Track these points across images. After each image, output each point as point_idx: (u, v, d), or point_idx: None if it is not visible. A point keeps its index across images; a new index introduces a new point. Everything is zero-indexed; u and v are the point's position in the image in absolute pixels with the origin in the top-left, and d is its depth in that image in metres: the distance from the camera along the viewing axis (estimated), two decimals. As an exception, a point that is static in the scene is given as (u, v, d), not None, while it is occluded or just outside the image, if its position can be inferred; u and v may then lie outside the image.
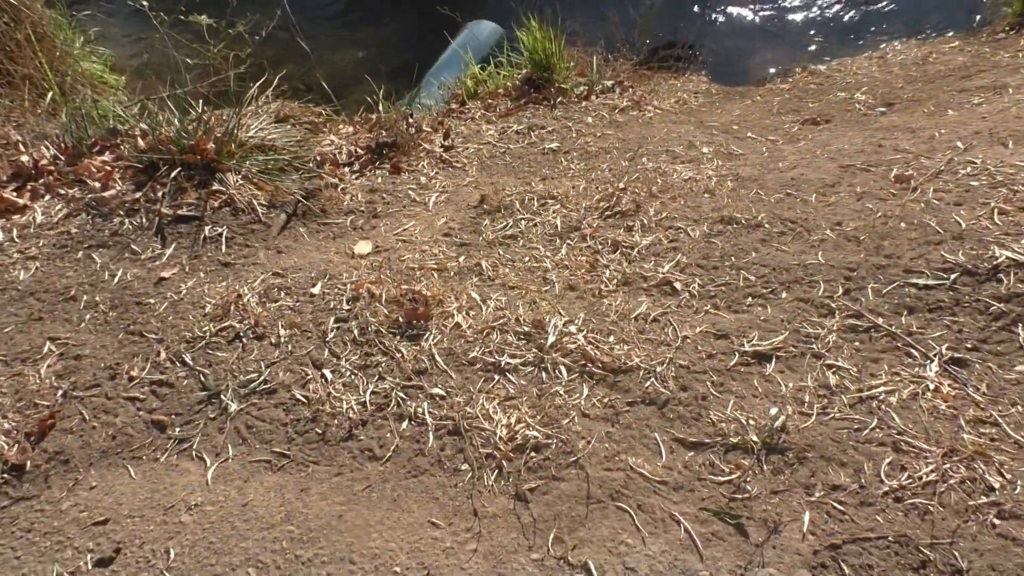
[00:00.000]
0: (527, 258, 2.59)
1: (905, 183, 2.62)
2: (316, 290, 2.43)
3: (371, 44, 6.05)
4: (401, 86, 4.49)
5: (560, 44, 4.43)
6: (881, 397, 1.86)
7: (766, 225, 2.54)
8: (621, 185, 2.93)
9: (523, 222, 2.80)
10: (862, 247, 2.34)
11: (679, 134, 3.65)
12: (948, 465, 1.67)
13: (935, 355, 1.94)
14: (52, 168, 3.08)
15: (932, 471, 1.66)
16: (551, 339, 2.16)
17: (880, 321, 2.07)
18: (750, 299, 2.25)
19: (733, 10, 6.07)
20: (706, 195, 2.83)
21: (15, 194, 2.95)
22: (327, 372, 2.13)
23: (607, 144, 3.61)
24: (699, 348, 2.09)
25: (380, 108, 3.75)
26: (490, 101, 4.39)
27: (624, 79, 4.61)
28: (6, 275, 2.57)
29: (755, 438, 1.79)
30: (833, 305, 2.16)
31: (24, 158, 3.14)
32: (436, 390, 2.04)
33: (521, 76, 4.56)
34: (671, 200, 2.81)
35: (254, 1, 4.66)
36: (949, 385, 1.86)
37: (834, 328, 2.08)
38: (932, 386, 1.87)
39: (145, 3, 4.00)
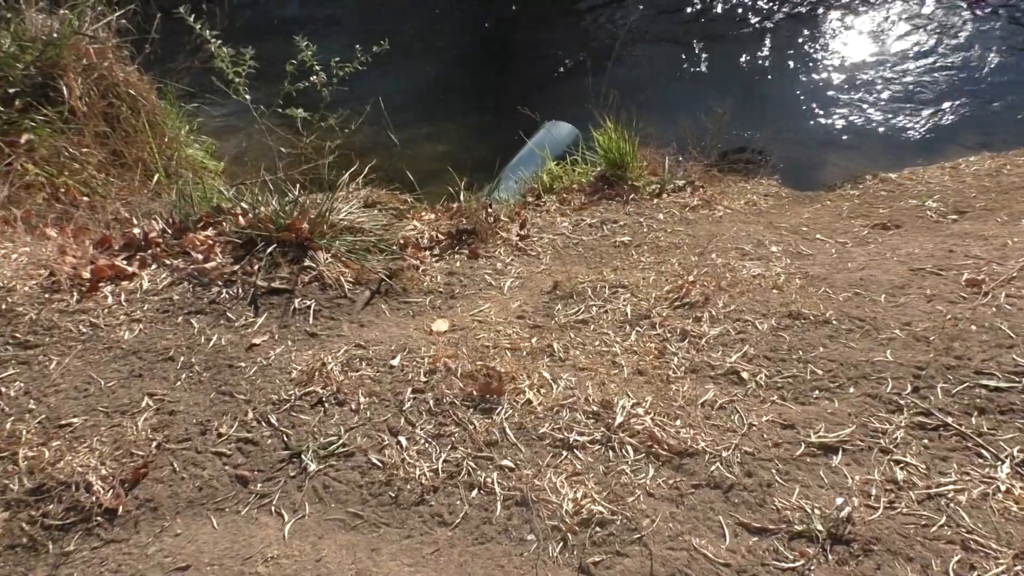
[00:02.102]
0: (597, 342, 2.68)
1: (976, 287, 2.64)
2: (395, 362, 2.56)
3: (453, 140, 6.39)
4: (481, 179, 4.72)
5: (634, 144, 4.61)
6: (950, 495, 1.85)
7: (834, 322, 2.59)
8: (690, 278, 3.02)
9: (594, 308, 2.90)
10: (931, 347, 2.36)
11: (748, 233, 3.74)
12: (1020, 566, 1.65)
13: (1006, 456, 1.94)
14: (160, 240, 3.34)
15: (1003, 572, 1.64)
16: (619, 419, 2.22)
17: (950, 420, 2.07)
18: (817, 392, 2.28)
19: (803, 120, 6.22)
20: (774, 291, 2.89)
21: (125, 262, 3.21)
22: (402, 439, 2.23)
23: (677, 240, 3.73)
24: (765, 436, 2.12)
25: (461, 198, 3.96)
26: (565, 195, 4.58)
27: (695, 179, 4.75)
28: (112, 335, 2.78)
29: (820, 527, 1.80)
30: (901, 402, 2.17)
31: (136, 230, 3.42)
32: (506, 462, 2.12)
33: (595, 173, 4.75)
34: (739, 294, 2.88)
35: (345, 99, 5.02)
36: (1021, 488, 1.85)
37: (902, 424, 2.09)
38: (1003, 487, 1.85)
39: (248, 97, 4.39)
